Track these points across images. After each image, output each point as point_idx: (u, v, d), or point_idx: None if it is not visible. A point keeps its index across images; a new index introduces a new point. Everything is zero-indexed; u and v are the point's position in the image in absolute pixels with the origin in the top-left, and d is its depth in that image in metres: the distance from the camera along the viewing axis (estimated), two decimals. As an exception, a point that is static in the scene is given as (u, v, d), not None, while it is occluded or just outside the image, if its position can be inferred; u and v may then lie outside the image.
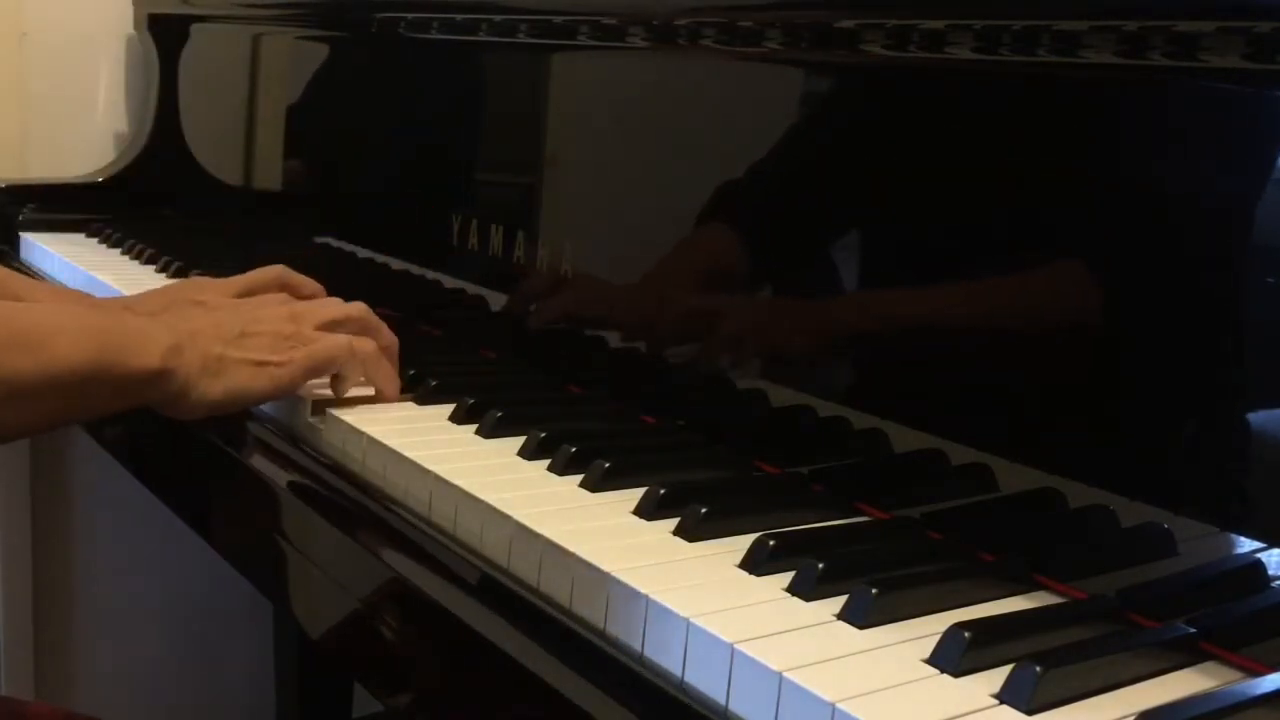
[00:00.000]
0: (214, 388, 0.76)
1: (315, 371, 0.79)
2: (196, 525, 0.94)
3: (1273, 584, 0.58)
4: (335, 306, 0.83)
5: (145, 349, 0.73)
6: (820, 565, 0.57)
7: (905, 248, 0.75)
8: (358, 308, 0.84)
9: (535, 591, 0.60)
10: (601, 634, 0.57)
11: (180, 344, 0.75)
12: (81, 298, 1.01)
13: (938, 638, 0.52)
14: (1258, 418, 0.58)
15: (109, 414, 0.77)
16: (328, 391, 0.81)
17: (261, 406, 0.84)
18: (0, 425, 0.70)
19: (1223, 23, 0.56)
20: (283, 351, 0.78)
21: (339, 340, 0.80)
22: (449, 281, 1.08)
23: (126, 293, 1.05)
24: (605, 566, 0.57)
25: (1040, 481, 0.66)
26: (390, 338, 0.84)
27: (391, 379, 0.82)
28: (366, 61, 1.24)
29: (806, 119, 0.80)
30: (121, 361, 0.72)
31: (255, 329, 0.79)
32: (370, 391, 0.82)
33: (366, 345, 0.81)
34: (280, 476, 0.77)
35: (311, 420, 0.80)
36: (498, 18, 1.01)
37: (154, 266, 1.27)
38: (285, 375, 0.78)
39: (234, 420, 0.85)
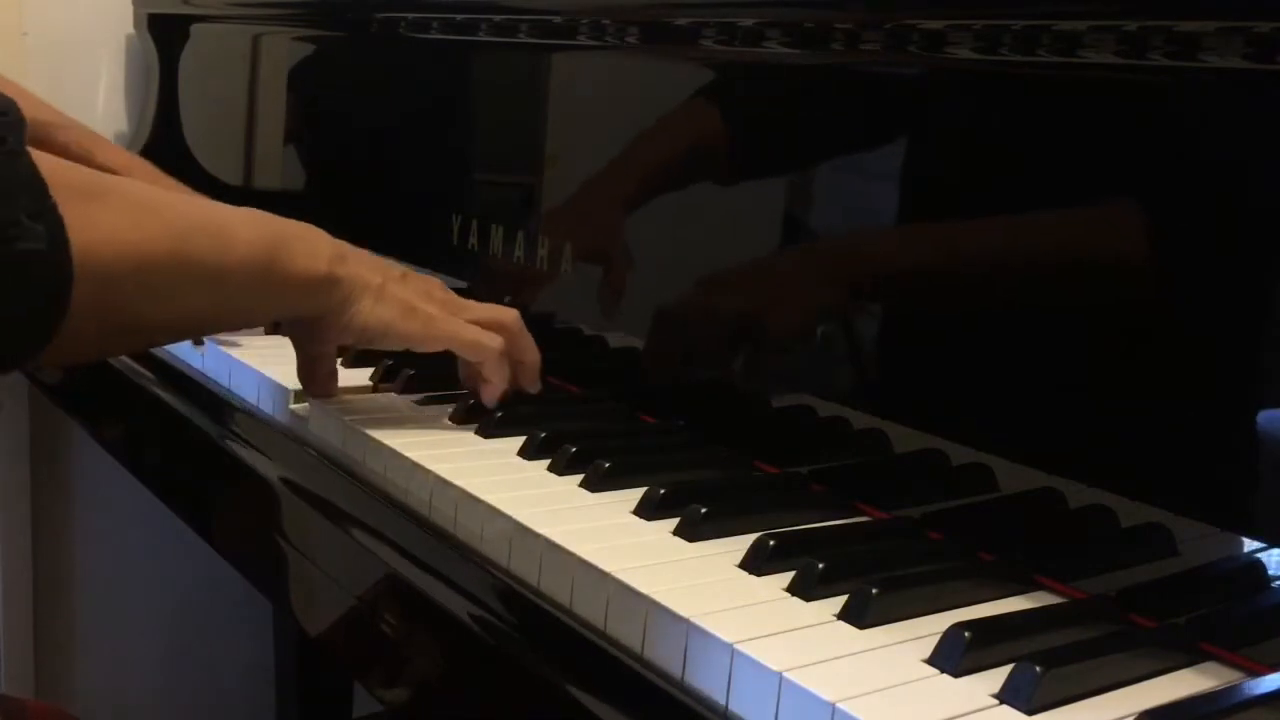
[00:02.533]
0: (372, 312, 0.75)
1: (460, 346, 0.78)
2: (196, 525, 0.93)
3: (1273, 584, 0.58)
4: (492, 308, 0.81)
5: (313, 253, 0.72)
6: (820, 565, 0.57)
7: (905, 247, 0.75)
8: (510, 315, 0.81)
9: (535, 591, 0.60)
10: (602, 634, 0.57)
11: (345, 255, 0.74)
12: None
13: (938, 638, 0.52)
14: (1258, 418, 0.58)
15: (272, 319, 0.75)
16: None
17: (252, 401, 0.84)
18: (172, 310, 0.66)
19: (1223, 23, 0.56)
20: (434, 306, 0.77)
21: (495, 340, 0.78)
22: (449, 281, 1.08)
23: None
24: (605, 566, 0.57)
25: (1040, 481, 0.66)
26: (533, 355, 0.82)
27: (503, 378, 0.79)
28: (366, 61, 1.24)
29: (805, 119, 0.80)
30: (291, 259, 0.71)
31: (414, 277, 0.78)
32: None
33: (500, 345, 0.78)
34: (279, 473, 0.77)
35: (295, 410, 0.81)
36: (498, 18, 1.01)
37: (154, 266, 1.27)
38: (435, 329, 0.76)
39: (230, 415, 0.85)
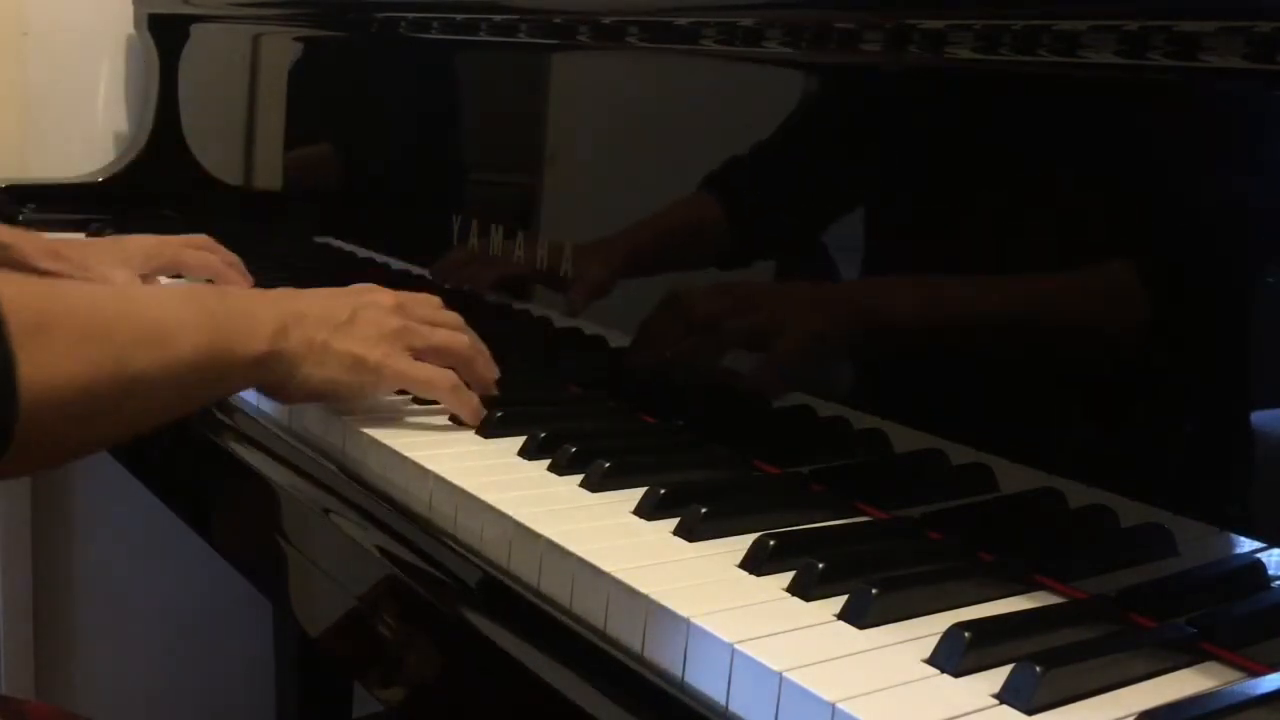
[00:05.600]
0: (315, 375, 0.75)
1: (411, 387, 0.78)
2: (196, 525, 0.93)
3: (1273, 584, 0.58)
4: (444, 335, 0.80)
5: (253, 332, 0.72)
6: (820, 565, 0.57)
7: (905, 248, 0.75)
8: (460, 342, 0.81)
9: (535, 591, 0.60)
10: (602, 634, 0.57)
11: (286, 326, 0.74)
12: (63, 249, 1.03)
13: (938, 638, 0.52)
14: (1258, 418, 0.58)
15: (215, 401, 0.75)
16: None
17: (252, 400, 0.85)
18: (118, 422, 0.68)
19: (1223, 23, 0.56)
20: (383, 347, 0.77)
21: (443, 378, 0.78)
22: (440, 272, 1.08)
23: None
24: (605, 566, 0.57)
25: (1040, 481, 0.66)
26: (485, 377, 0.82)
27: (466, 405, 0.79)
28: (366, 61, 1.24)
29: (806, 119, 0.80)
30: (231, 348, 0.71)
31: (362, 315, 0.77)
32: None
33: (451, 379, 0.78)
34: (279, 473, 0.77)
35: (295, 410, 0.81)
36: (498, 18, 1.01)
37: (154, 266, 1.27)
38: (383, 377, 0.77)
39: (231, 415, 0.85)
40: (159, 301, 0.72)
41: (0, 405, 0.58)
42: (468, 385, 0.80)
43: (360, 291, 0.81)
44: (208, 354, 0.70)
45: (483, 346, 0.82)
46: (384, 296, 0.80)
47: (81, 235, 1.42)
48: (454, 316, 0.83)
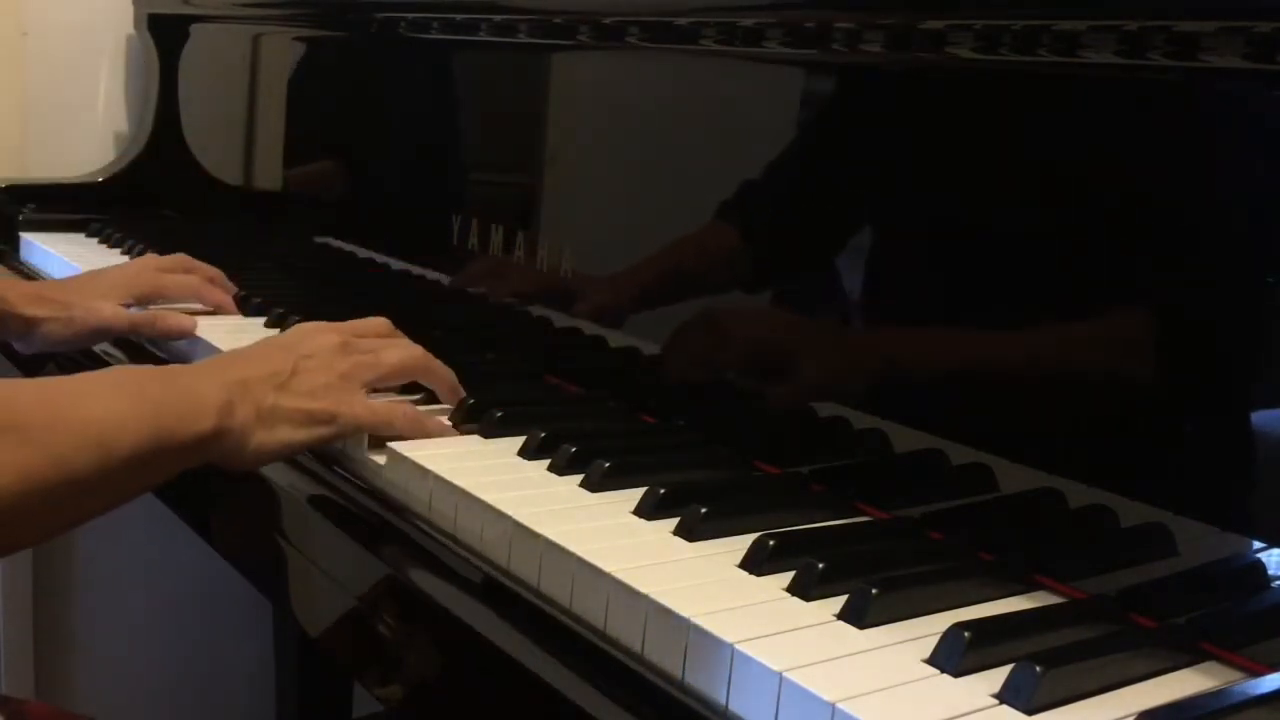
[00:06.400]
0: (268, 441, 0.73)
1: (369, 429, 0.76)
2: (196, 525, 0.94)
3: (1273, 584, 0.58)
4: (393, 355, 0.79)
5: (198, 413, 0.70)
6: (820, 565, 0.57)
7: (905, 248, 0.75)
8: (414, 355, 0.80)
9: (535, 591, 0.60)
10: (602, 634, 0.57)
11: (232, 400, 0.72)
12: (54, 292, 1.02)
13: (938, 638, 0.52)
14: (1258, 418, 0.58)
15: (164, 482, 0.73)
16: None
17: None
18: (55, 521, 0.67)
19: (1223, 23, 0.56)
20: (333, 395, 0.75)
21: (398, 413, 0.77)
22: (449, 281, 1.08)
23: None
24: (605, 566, 0.57)
25: (1040, 481, 0.66)
26: (446, 382, 0.81)
27: (434, 431, 0.78)
28: (366, 61, 1.24)
29: (806, 119, 0.80)
30: (177, 432, 0.69)
31: (307, 365, 0.76)
32: None
33: (408, 414, 0.77)
34: (279, 476, 0.77)
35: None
36: (498, 18, 1.01)
37: (154, 266, 1.27)
38: (339, 426, 0.75)
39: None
40: (95, 396, 0.69)
41: None
42: (434, 394, 0.80)
43: (303, 337, 0.79)
44: (151, 445, 0.68)
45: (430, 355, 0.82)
46: (327, 338, 0.78)
47: (81, 235, 1.43)
48: (401, 337, 0.82)
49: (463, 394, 0.81)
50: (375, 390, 0.79)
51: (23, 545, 0.69)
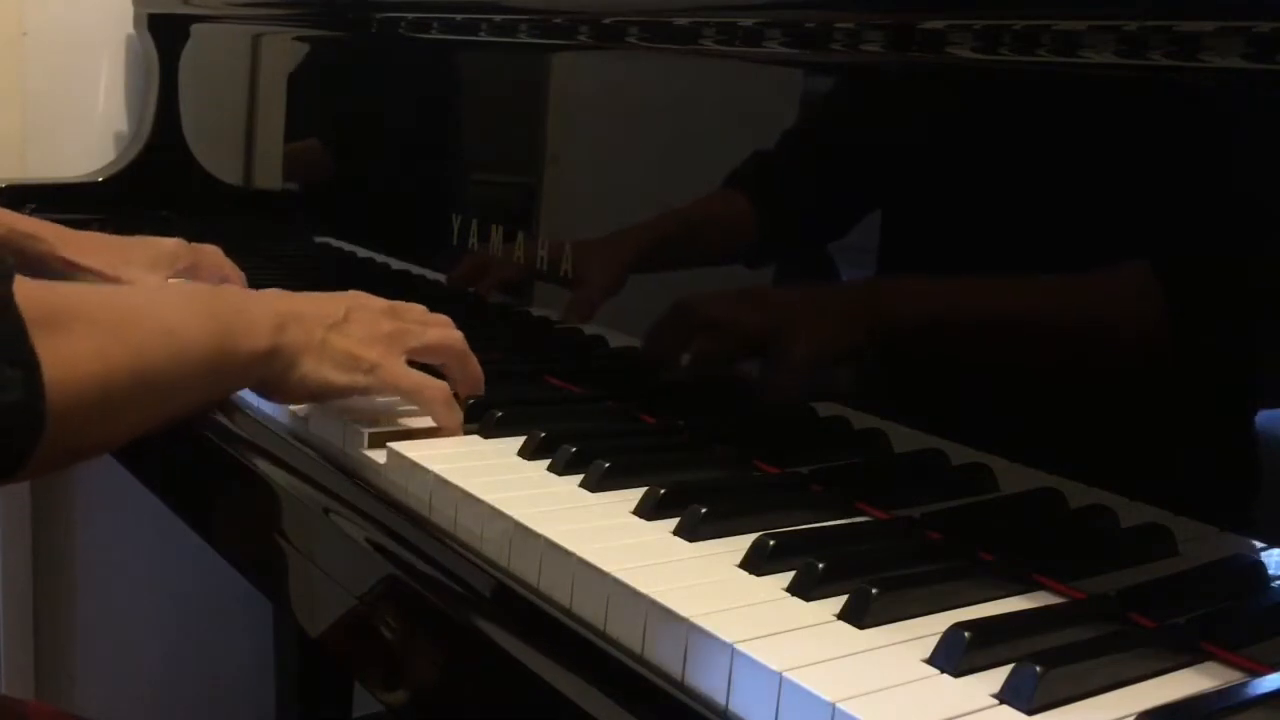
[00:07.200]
0: (313, 374, 0.75)
1: (403, 394, 0.77)
2: (196, 525, 0.94)
3: (1273, 584, 0.58)
4: (437, 333, 0.80)
5: (255, 330, 0.72)
6: (820, 565, 0.57)
7: (905, 248, 0.75)
8: (455, 339, 0.81)
9: (535, 591, 0.60)
10: (602, 634, 0.57)
11: (286, 325, 0.74)
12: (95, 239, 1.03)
13: (938, 638, 0.52)
14: (1258, 418, 0.58)
15: (220, 400, 0.75)
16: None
17: (253, 400, 0.85)
18: (134, 419, 0.68)
19: (1223, 23, 0.56)
20: (378, 348, 0.77)
21: (435, 389, 0.77)
22: (449, 281, 1.08)
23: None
24: (605, 566, 0.57)
25: (1040, 481, 0.66)
26: (474, 375, 0.82)
27: (452, 420, 0.78)
28: (367, 61, 1.24)
29: (806, 119, 0.80)
30: (235, 345, 0.71)
31: (357, 316, 0.77)
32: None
33: (442, 391, 0.78)
34: (279, 473, 0.77)
35: (295, 410, 0.81)
36: (498, 18, 1.01)
37: (154, 266, 1.27)
38: (376, 379, 0.76)
39: (231, 415, 0.85)
40: (166, 300, 0.72)
41: (27, 409, 0.58)
42: (460, 383, 0.80)
43: (354, 294, 0.81)
44: (216, 354, 0.70)
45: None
46: (375, 301, 0.80)
47: (83, 235, 1.43)
48: (445, 318, 0.83)
49: (482, 393, 0.82)
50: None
51: (103, 446, 0.70)
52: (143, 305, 0.69)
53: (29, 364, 0.58)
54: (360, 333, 0.77)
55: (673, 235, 0.88)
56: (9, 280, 0.58)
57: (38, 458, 0.59)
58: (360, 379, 0.76)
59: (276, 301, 0.77)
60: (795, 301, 0.81)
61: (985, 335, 0.69)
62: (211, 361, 0.70)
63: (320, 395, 0.77)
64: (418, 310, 0.82)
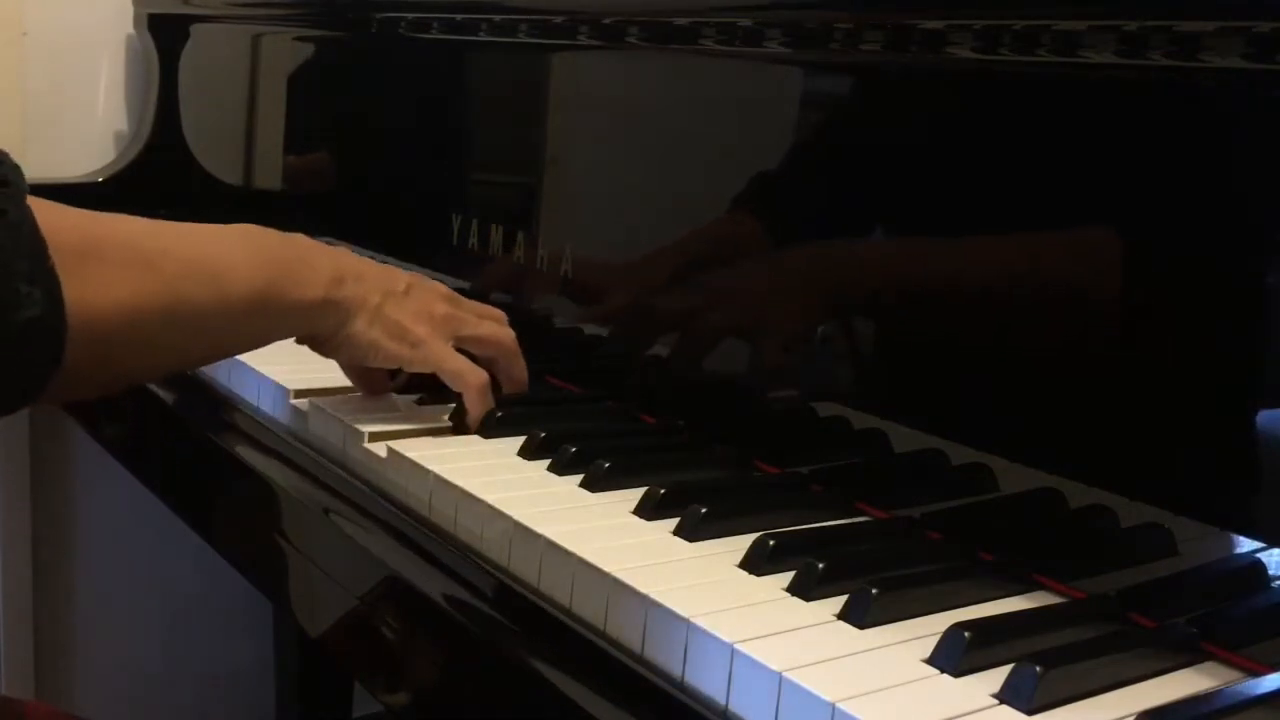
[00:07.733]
0: (363, 333, 0.75)
1: (444, 374, 0.78)
2: (196, 525, 0.94)
3: (1273, 584, 0.58)
4: (490, 326, 0.81)
5: (310, 279, 0.73)
6: (820, 565, 0.57)
7: (904, 248, 0.75)
8: (506, 335, 0.82)
9: (535, 591, 0.60)
10: (602, 634, 0.57)
11: (343, 277, 0.74)
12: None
13: (938, 638, 0.52)
14: (1258, 418, 0.58)
15: (268, 342, 0.75)
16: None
17: (253, 400, 0.85)
18: (167, 353, 0.68)
19: (1223, 23, 0.56)
20: (428, 327, 0.77)
21: (477, 376, 0.78)
22: (449, 282, 1.08)
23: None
24: (605, 567, 0.57)
25: (1040, 481, 0.66)
26: (520, 377, 0.82)
27: (482, 411, 0.78)
28: (367, 61, 1.24)
29: (806, 119, 0.80)
30: (286, 291, 0.71)
31: (416, 294, 0.78)
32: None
33: (482, 379, 0.78)
34: (279, 473, 0.77)
35: (295, 409, 0.81)
36: (498, 18, 1.01)
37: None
38: (421, 354, 0.77)
39: (231, 415, 0.85)
40: (215, 238, 0.72)
41: (49, 330, 0.58)
42: (505, 380, 0.81)
43: (417, 275, 0.81)
44: (262, 294, 0.70)
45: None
46: (438, 285, 0.81)
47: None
48: (500, 313, 0.83)
49: (525, 392, 0.82)
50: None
51: (135, 376, 0.70)
52: (190, 240, 0.69)
53: (49, 282, 0.58)
54: (415, 308, 0.77)
55: (703, 255, 0.88)
56: (23, 202, 0.58)
57: (63, 381, 0.59)
58: (406, 351, 0.77)
59: (343, 258, 0.77)
60: (795, 301, 0.81)
61: (985, 335, 0.69)
62: (257, 303, 0.70)
63: (365, 357, 0.77)
64: (476, 304, 0.83)
